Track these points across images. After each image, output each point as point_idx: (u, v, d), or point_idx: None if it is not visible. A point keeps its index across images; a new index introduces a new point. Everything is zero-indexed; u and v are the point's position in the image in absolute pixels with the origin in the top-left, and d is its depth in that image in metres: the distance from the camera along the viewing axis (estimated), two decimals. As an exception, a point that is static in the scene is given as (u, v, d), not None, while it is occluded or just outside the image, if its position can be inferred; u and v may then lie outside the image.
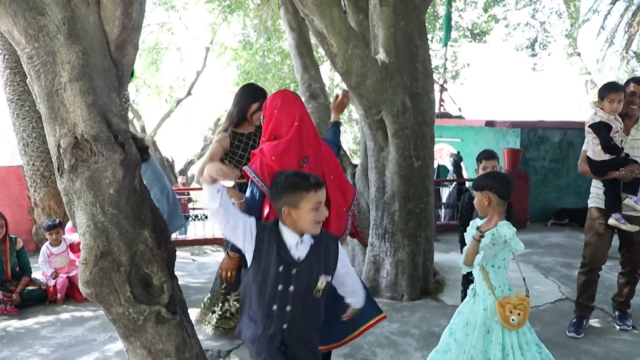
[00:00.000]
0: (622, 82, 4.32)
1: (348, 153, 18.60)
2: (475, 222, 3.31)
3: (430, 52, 17.82)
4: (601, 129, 4.17)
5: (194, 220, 9.14)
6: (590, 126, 4.25)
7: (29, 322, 4.97)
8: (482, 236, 3.13)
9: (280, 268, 2.49)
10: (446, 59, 15.40)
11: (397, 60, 5.00)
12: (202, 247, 8.17)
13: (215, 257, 7.55)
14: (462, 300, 4.51)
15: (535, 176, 9.90)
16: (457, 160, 10.91)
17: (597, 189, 4.47)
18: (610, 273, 6.10)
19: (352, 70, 4.64)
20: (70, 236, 5.98)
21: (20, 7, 2.63)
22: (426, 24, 5.58)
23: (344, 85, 5.27)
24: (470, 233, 3.28)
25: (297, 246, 2.52)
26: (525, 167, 9.64)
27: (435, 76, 16.75)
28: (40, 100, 2.80)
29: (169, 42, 21.83)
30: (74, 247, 5.84)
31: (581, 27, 18.11)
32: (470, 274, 4.43)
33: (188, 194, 13.49)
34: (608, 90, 4.16)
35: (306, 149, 3.17)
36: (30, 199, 7.89)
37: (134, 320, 3.03)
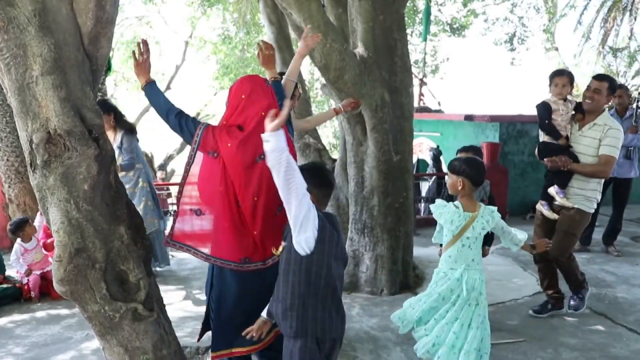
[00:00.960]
0: None
1: (328, 147, 18.59)
2: (452, 204, 3.45)
3: (410, 46, 17.78)
4: (541, 109, 4.43)
5: (172, 215, 9.05)
6: (535, 106, 4.50)
7: (3, 320, 4.88)
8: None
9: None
10: (425, 54, 15.44)
11: (376, 55, 4.98)
12: (181, 243, 8.10)
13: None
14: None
15: (514, 170, 9.95)
16: (437, 155, 10.94)
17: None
18: (588, 266, 6.18)
19: (330, 64, 4.61)
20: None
21: (-12, -3, 2.57)
22: (406, 19, 5.58)
23: (324, 80, 5.24)
24: (447, 211, 3.40)
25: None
26: (504, 161, 9.69)
27: (414, 70, 16.79)
28: (11, 94, 2.73)
29: (148, 35, 21.62)
30: (47, 247, 5.74)
31: (559, 22, 18.31)
32: None
33: (167, 189, 13.39)
34: (553, 74, 4.40)
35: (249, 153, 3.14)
36: (4, 195, 7.76)
37: (110, 318, 2.99)
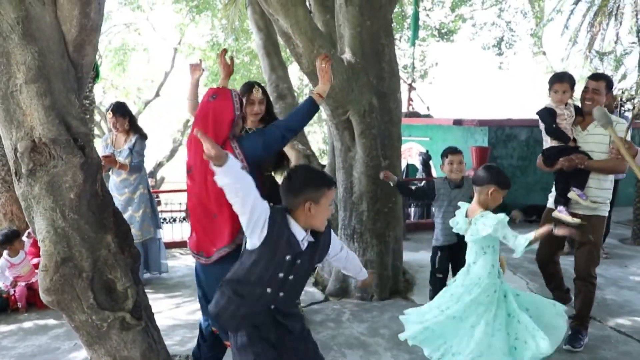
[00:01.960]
0: (585, 81, 4.38)
1: (317, 153, 18.60)
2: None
3: (399, 51, 17.83)
4: (544, 115, 4.25)
5: (163, 223, 9.03)
6: (536, 113, 4.33)
7: (-11, 331, 4.83)
8: None
9: (288, 257, 2.50)
10: (414, 59, 15.48)
11: (364, 60, 4.99)
12: (170, 251, 8.06)
13: (184, 261, 7.46)
14: (431, 299, 4.53)
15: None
16: (426, 159, 10.96)
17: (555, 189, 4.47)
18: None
19: (317, 70, 4.60)
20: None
21: (-30, 5, 2.56)
22: (394, 24, 5.59)
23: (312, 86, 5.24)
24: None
25: (305, 240, 2.53)
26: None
27: (403, 75, 16.85)
28: (-6, 103, 2.72)
29: (136, 42, 21.59)
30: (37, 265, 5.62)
31: (546, 27, 18.41)
32: (438, 272, 4.50)
33: (157, 196, 13.33)
34: (553, 81, 4.27)
35: (191, 157, 3.20)
36: (-9, 204, 7.69)
37: (97, 328, 2.97)
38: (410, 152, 12.07)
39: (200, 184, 3.14)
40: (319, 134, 24.47)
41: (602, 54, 16.65)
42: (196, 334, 4.54)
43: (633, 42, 15.26)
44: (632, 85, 15.54)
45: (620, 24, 15.06)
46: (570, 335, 4.16)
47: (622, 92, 9.06)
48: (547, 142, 4.36)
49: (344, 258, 2.92)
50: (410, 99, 14.49)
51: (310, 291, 5.48)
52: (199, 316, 4.99)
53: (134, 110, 23.00)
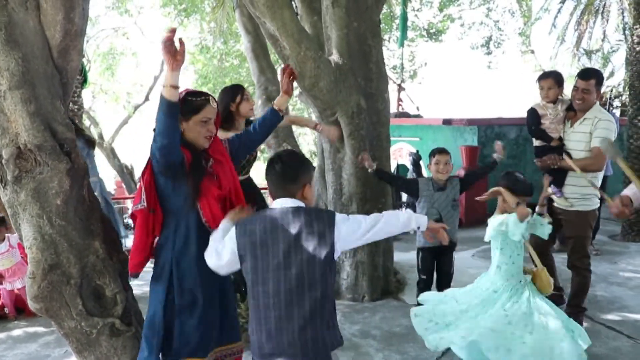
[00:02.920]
0: (574, 78, 4.42)
1: (308, 155, 18.61)
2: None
3: (388, 52, 17.81)
4: (528, 116, 4.43)
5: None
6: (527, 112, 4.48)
7: (-21, 340, 4.79)
8: None
9: None
10: (403, 59, 15.50)
11: (351, 61, 4.99)
12: (161, 255, 8.02)
13: (176, 265, 7.42)
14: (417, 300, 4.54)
15: (493, 172, 10.01)
16: (416, 159, 10.96)
17: None
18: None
19: (305, 72, 4.60)
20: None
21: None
22: (383, 24, 5.60)
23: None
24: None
25: None
26: (483, 164, 9.75)
27: (393, 76, 16.86)
28: (-22, 109, 2.70)
29: (125, 47, 21.53)
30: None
31: (534, 25, 18.50)
32: (422, 273, 4.50)
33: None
34: (538, 78, 4.41)
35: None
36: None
37: (87, 334, 2.97)
38: (401, 153, 12.07)
39: None
40: (309, 136, 24.47)
41: (589, 51, 16.78)
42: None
43: (620, 40, 15.39)
44: (619, 83, 15.68)
45: (607, 21, 15.20)
46: None
47: (611, 90, 9.12)
48: (535, 141, 4.52)
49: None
50: (399, 100, 14.51)
51: (301, 293, 5.46)
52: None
53: (123, 114, 22.93)
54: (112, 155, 21.36)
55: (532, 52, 20.59)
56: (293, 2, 5.79)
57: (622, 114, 12.75)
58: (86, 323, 2.95)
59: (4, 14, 2.62)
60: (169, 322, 2.81)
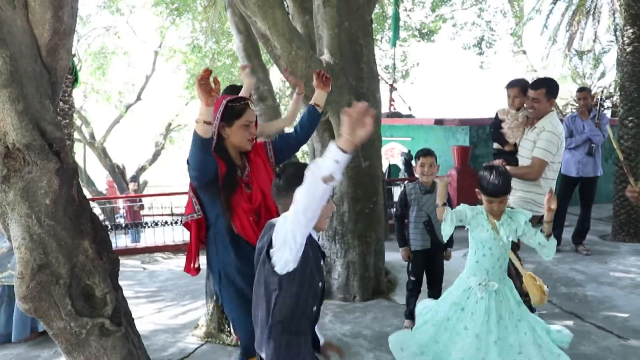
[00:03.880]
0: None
1: (300, 155, 18.58)
2: (480, 212, 3.48)
3: (380, 52, 17.76)
4: (493, 120, 4.70)
5: (145, 227, 8.99)
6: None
7: (-34, 340, 4.75)
8: None
9: (321, 262, 2.35)
10: (395, 59, 15.53)
11: (342, 61, 4.99)
12: (152, 255, 8.00)
13: (167, 265, 7.42)
14: (407, 302, 4.54)
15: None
16: (408, 159, 10.99)
17: None
18: (558, 265, 6.26)
19: (296, 71, 4.59)
20: None
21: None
22: (375, 24, 5.60)
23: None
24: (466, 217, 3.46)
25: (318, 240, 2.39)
26: (475, 164, 9.77)
27: (385, 76, 16.88)
28: (-34, 108, 2.68)
29: (116, 46, 21.44)
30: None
31: (525, 26, 18.55)
32: (411, 274, 4.49)
33: (140, 200, 13.25)
34: (506, 86, 4.58)
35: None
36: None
37: (76, 334, 2.95)
38: (393, 153, 12.09)
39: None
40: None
41: (581, 52, 16.85)
42: (178, 337, 4.54)
43: (611, 41, 15.48)
44: (610, 83, 15.77)
45: (598, 22, 15.25)
46: None
47: (602, 91, 9.14)
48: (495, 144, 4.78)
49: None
50: (391, 99, 14.52)
51: (293, 293, 5.46)
52: (180, 321, 4.99)
53: (115, 114, 22.86)
54: (103, 155, 21.28)
55: (524, 52, 20.65)
56: (284, 2, 5.78)
57: (613, 114, 12.83)
58: (75, 323, 2.92)
59: (-8, 13, 2.60)
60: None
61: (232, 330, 4.23)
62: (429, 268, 4.46)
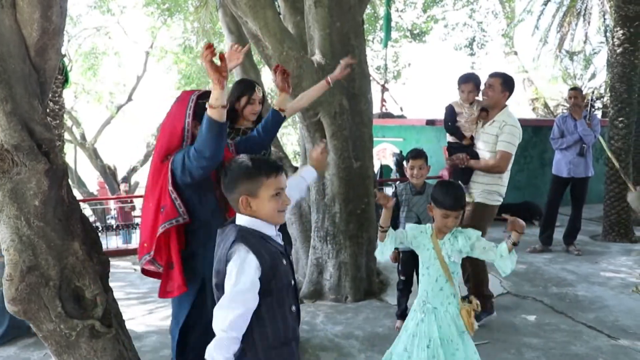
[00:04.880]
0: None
1: (292, 156, 18.58)
2: (422, 231, 3.20)
3: (372, 52, 17.75)
4: (446, 112, 4.72)
5: (136, 228, 8.96)
6: (445, 108, 4.73)
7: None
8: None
9: (284, 261, 2.23)
10: (386, 60, 15.52)
11: (334, 61, 4.95)
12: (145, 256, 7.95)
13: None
14: (398, 302, 4.54)
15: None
16: (400, 160, 10.99)
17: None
18: (549, 265, 6.28)
19: (287, 72, 4.59)
20: None
21: None
22: (367, 25, 5.59)
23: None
24: (407, 238, 3.20)
25: (278, 235, 2.28)
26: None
27: (376, 76, 16.88)
28: (-46, 110, 2.65)
29: (107, 46, 21.34)
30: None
31: (517, 27, 18.60)
32: (401, 274, 4.46)
33: (131, 201, 13.20)
34: (459, 81, 4.63)
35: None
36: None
37: (66, 337, 2.93)
38: (384, 153, 12.09)
39: None
40: (293, 136, 24.43)
41: (571, 53, 16.92)
42: (169, 339, 4.50)
43: (601, 42, 15.54)
44: (601, 84, 15.83)
45: (589, 24, 15.34)
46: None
47: (592, 91, 9.19)
48: (447, 137, 4.83)
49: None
50: (383, 100, 14.52)
51: (284, 294, 5.45)
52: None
53: (106, 115, 22.75)
54: (94, 155, 21.20)
55: (516, 53, 20.67)
56: (276, 2, 5.77)
57: (604, 115, 12.88)
58: (65, 325, 2.90)
59: (-21, 12, 2.58)
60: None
61: None
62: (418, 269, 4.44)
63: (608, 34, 13.14)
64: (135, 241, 9.13)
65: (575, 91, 6.92)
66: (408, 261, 4.42)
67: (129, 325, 3.27)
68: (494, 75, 4.60)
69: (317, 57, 4.94)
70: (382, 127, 12.10)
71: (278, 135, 8.58)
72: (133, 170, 22.72)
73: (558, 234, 7.10)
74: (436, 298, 3.09)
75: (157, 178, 2.97)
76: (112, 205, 14.13)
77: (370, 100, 5.37)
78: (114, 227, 9.85)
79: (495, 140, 4.48)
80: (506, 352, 4.07)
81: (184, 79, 19.54)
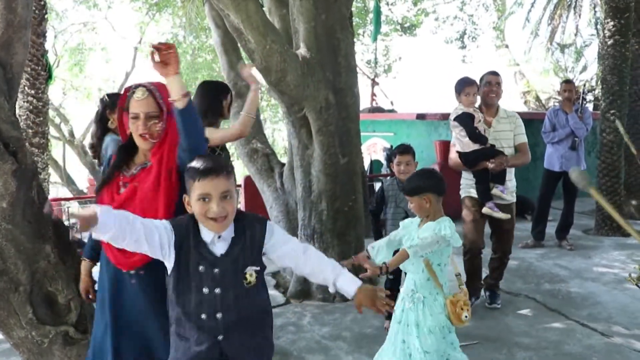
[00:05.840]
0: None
1: (283, 151, 18.48)
2: (412, 222, 3.23)
3: (362, 46, 17.65)
4: (465, 120, 4.49)
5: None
6: (455, 119, 4.54)
7: None
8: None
9: (201, 268, 2.14)
10: (376, 54, 15.44)
11: (319, 55, 4.86)
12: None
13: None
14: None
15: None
16: (391, 155, 10.91)
17: (467, 180, 4.79)
18: (542, 261, 6.20)
19: (271, 66, 4.47)
20: None
21: None
22: (357, 19, 5.49)
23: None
24: (400, 233, 3.25)
25: (215, 242, 2.17)
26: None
27: (367, 70, 16.78)
28: None
29: (94, 42, 21.15)
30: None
31: (507, 20, 18.59)
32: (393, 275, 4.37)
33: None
34: (463, 84, 4.50)
35: None
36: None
37: (38, 344, 2.84)
38: (375, 148, 12.00)
39: None
40: (284, 132, 24.30)
41: (562, 46, 16.92)
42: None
43: (592, 34, 15.52)
44: (592, 77, 15.80)
45: (579, 16, 15.33)
46: (490, 295, 4.84)
47: (584, 84, 9.14)
48: (463, 144, 4.55)
49: (301, 255, 2.38)
50: (373, 94, 14.42)
51: (271, 294, 5.32)
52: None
53: (95, 111, 22.54)
54: (83, 152, 20.98)
55: (507, 46, 20.65)
56: (260, -6, 5.64)
57: (595, 108, 12.84)
58: (37, 332, 2.82)
59: (-63, 4, 2.45)
60: None
61: None
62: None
63: (599, 26, 13.03)
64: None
65: (569, 84, 6.87)
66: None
67: (106, 330, 3.13)
68: (497, 73, 4.77)
69: (302, 51, 4.82)
70: (372, 122, 12.01)
71: (268, 131, 8.48)
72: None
73: (550, 228, 7.03)
74: (424, 288, 3.09)
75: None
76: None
77: (357, 94, 5.26)
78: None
79: (511, 135, 4.67)
80: (497, 352, 3.97)
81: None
